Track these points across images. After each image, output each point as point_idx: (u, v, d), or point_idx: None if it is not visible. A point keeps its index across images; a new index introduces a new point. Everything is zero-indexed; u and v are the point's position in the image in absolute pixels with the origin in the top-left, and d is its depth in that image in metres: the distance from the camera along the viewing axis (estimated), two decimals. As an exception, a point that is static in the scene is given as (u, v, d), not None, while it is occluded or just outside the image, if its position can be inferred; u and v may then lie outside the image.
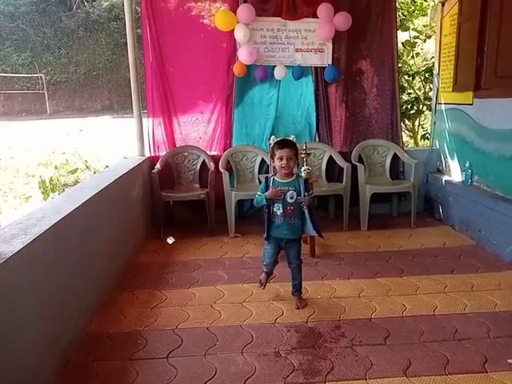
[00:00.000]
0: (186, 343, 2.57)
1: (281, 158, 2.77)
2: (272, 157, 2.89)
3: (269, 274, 3.12)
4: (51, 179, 7.03)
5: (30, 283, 2.07)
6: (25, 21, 20.95)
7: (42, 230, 2.20)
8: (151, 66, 4.68)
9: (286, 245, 2.96)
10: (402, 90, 6.01)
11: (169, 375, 2.28)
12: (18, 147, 10.71)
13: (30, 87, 20.82)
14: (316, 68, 4.81)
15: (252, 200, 2.99)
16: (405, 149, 5.11)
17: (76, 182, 7.05)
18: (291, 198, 2.81)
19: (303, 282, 3.22)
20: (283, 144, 2.81)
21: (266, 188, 2.87)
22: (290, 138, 3.07)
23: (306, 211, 2.88)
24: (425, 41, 6.32)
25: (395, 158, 4.92)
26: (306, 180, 2.91)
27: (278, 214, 2.84)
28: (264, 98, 4.87)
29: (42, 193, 6.64)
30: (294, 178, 2.86)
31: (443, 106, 4.95)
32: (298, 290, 3.06)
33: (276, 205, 2.84)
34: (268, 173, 4.37)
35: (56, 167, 8.05)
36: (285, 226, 2.87)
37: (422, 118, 6.52)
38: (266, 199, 2.83)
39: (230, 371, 2.31)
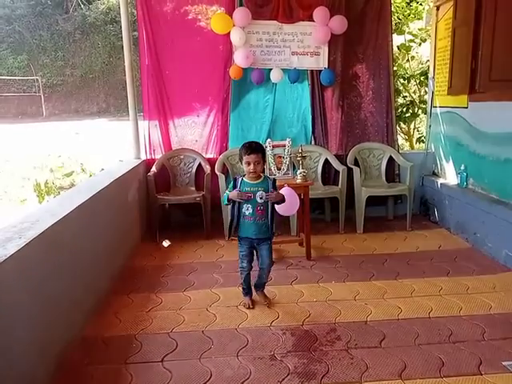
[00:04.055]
0: (181, 347, 2.56)
1: (248, 163, 2.82)
2: (240, 159, 2.91)
3: (250, 295, 3.09)
4: (46, 182, 7.01)
5: (24, 287, 2.06)
6: (21, 23, 20.91)
7: (36, 234, 2.19)
8: (147, 69, 4.68)
9: (258, 245, 2.96)
10: (398, 93, 6.02)
11: (164, 379, 2.27)
12: (14, 150, 10.66)
13: (26, 90, 20.77)
14: (312, 71, 4.82)
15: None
16: (400, 152, 5.12)
17: (71, 185, 7.03)
18: (261, 199, 2.84)
19: (299, 285, 3.24)
20: (250, 149, 2.82)
21: (234, 187, 2.89)
22: (262, 141, 3.10)
23: (270, 209, 2.89)
24: (420, 44, 6.34)
25: (391, 160, 4.93)
26: (274, 180, 2.95)
27: (247, 214, 2.86)
28: (260, 101, 4.88)
29: (38, 196, 6.62)
30: (262, 178, 2.90)
31: (438, 109, 4.97)
32: (261, 287, 3.10)
33: (245, 205, 2.85)
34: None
35: (51, 170, 8.03)
36: (254, 225, 2.88)
37: (418, 121, 6.53)
38: (228, 199, 2.85)
39: (225, 375, 2.30)
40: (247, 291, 3.09)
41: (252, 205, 2.84)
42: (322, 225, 4.80)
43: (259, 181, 2.88)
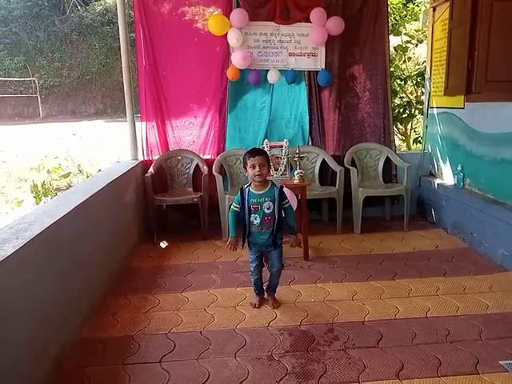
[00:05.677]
0: (178, 347, 2.56)
1: (253, 166, 2.78)
2: (245, 167, 2.88)
3: (260, 295, 3.11)
4: (44, 183, 6.99)
5: (21, 288, 2.06)
6: (18, 25, 20.84)
7: (33, 235, 2.19)
8: (144, 70, 4.68)
9: (267, 250, 2.97)
10: (395, 94, 6.04)
11: (161, 380, 2.27)
12: (11, 151, 10.64)
13: (22, 91, 20.71)
14: (309, 72, 4.83)
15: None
16: (397, 152, 5.14)
17: (69, 186, 7.02)
18: (268, 209, 2.82)
19: (296, 285, 3.25)
20: (254, 152, 2.82)
21: (242, 199, 2.86)
22: (261, 147, 3.07)
23: (277, 218, 2.84)
24: (417, 45, 6.37)
25: (388, 161, 4.94)
26: (281, 188, 2.89)
27: (255, 223, 2.85)
28: (257, 101, 4.88)
29: (35, 197, 6.61)
30: (269, 187, 2.86)
31: (435, 109, 4.99)
32: (273, 289, 3.09)
33: (253, 215, 2.84)
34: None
35: (48, 171, 8.01)
36: (263, 234, 2.88)
37: (415, 122, 6.55)
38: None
39: (223, 375, 2.30)
40: (257, 292, 3.10)
41: (259, 215, 2.83)
42: (319, 225, 4.80)
43: (266, 190, 2.83)
